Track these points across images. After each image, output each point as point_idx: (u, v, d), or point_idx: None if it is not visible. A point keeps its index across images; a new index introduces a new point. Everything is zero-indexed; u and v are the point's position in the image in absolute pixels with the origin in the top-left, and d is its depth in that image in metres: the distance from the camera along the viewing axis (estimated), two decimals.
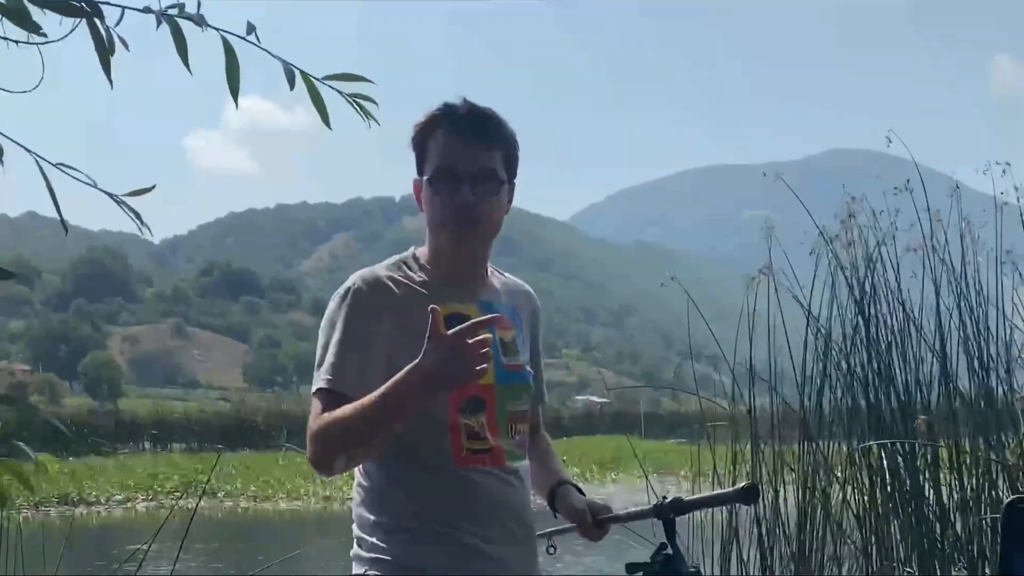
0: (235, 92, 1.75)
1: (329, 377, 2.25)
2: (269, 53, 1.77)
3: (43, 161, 1.61)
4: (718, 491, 2.55)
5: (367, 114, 1.88)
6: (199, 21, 1.71)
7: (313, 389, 2.27)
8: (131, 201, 1.74)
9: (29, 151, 1.60)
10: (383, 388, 2.15)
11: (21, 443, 1.55)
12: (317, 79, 1.81)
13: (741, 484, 2.38)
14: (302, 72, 1.80)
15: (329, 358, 2.27)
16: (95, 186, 1.68)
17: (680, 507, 2.37)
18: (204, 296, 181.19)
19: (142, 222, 1.74)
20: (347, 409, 2.19)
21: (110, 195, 1.69)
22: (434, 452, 2.29)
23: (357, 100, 1.87)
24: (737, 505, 5.68)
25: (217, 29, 1.72)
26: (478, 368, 2.07)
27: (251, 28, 1.73)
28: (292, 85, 1.79)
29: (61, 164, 1.63)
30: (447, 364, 2.07)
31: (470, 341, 2.05)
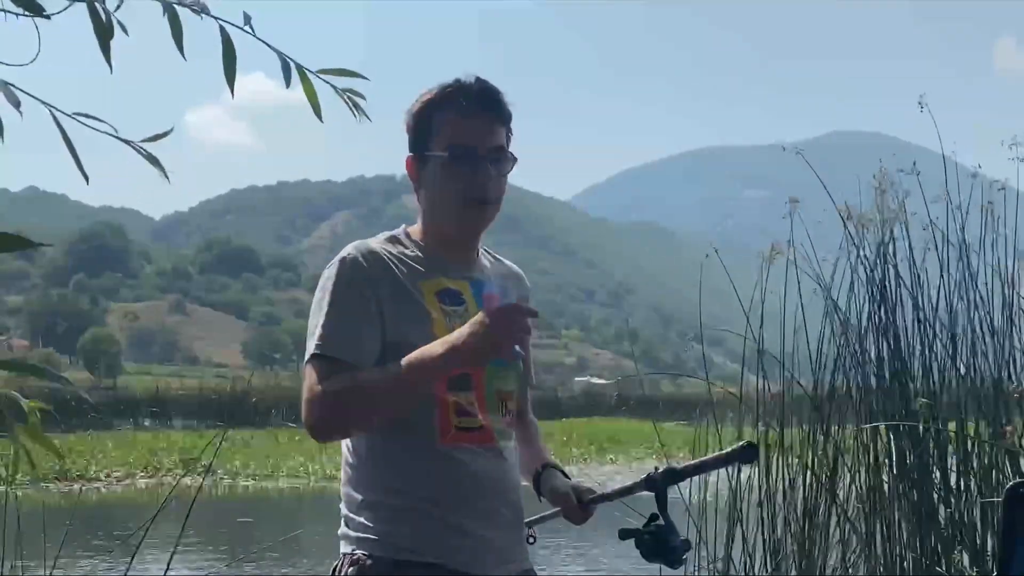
0: (231, 82, 1.78)
1: (324, 343, 2.23)
2: (267, 44, 1.81)
3: (58, 112, 1.58)
4: (713, 454, 2.45)
5: (358, 109, 1.91)
6: (200, 10, 1.74)
7: (307, 355, 2.25)
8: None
9: (44, 103, 1.58)
10: (415, 356, 2.17)
11: (16, 392, 1.51)
12: (312, 72, 1.85)
13: (737, 444, 2.30)
14: (297, 65, 1.84)
15: (324, 324, 2.25)
16: (116, 135, 1.66)
17: (674, 475, 2.29)
18: (203, 273, 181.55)
19: (162, 168, 1.72)
20: (371, 374, 2.20)
21: (128, 142, 1.67)
22: (421, 428, 2.27)
23: (349, 95, 1.90)
24: (744, 483, 5.68)
25: (216, 18, 1.74)
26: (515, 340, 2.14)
27: (247, 19, 1.76)
28: (288, 80, 1.83)
29: (78, 114, 1.61)
30: (498, 333, 2.12)
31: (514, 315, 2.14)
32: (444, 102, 2.34)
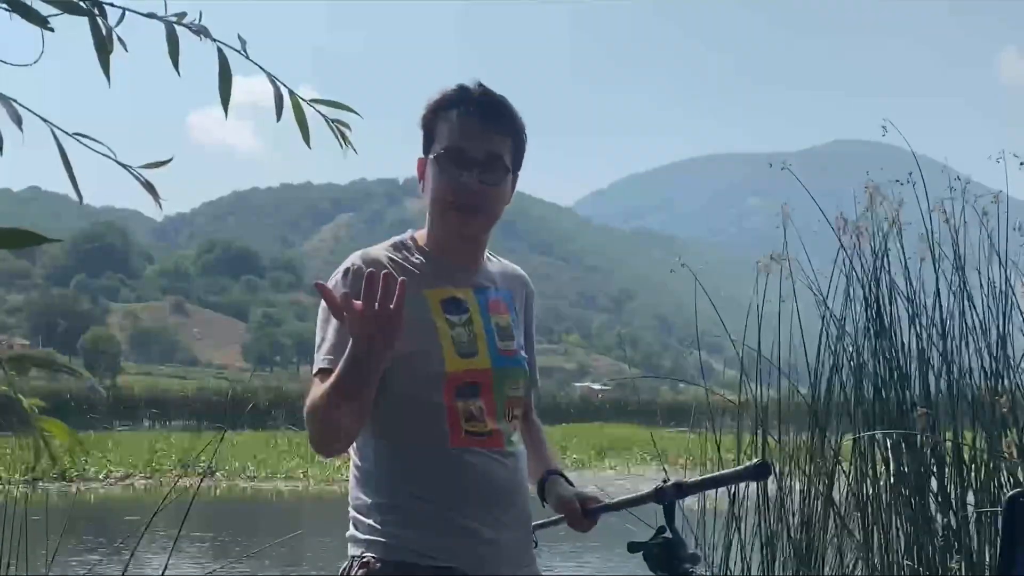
0: (226, 103, 1.83)
1: (331, 357, 2.21)
2: (261, 69, 1.85)
3: (58, 131, 1.60)
4: (724, 470, 2.45)
5: (346, 140, 1.95)
6: (199, 31, 1.77)
7: (314, 370, 2.24)
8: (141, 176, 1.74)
9: (45, 120, 1.60)
10: (339, 367, 2.08)
11: (20, 396, 1.50)
12: (304, 100, 1.89)
13: (751, 461, 2.30)
14: (291, 91, 1.88)
15: (330, 338, 2.24)
16: (113, 157, 1.67)
17: (683, 490, 2.28)
18: (205, 274, 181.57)
19: (157, 195, 1.73)
20: (320, 389, 2.14)
21: (126, 167, 1.69)
22: (431, 433, 2.27)
23: (337, 125, 1.95)
24: (742, 490, 5.68)
25: (214, 40, 1.79)
26: (392, 326, 1.98)
27: (243, 43, 1.81)
28: (280, 113, 1.87)
29: (78, 134, 1.63)
30: (370, 341, 1.99)
31: (369, 312, 1.97)
32: (445, 106, 2.36)
